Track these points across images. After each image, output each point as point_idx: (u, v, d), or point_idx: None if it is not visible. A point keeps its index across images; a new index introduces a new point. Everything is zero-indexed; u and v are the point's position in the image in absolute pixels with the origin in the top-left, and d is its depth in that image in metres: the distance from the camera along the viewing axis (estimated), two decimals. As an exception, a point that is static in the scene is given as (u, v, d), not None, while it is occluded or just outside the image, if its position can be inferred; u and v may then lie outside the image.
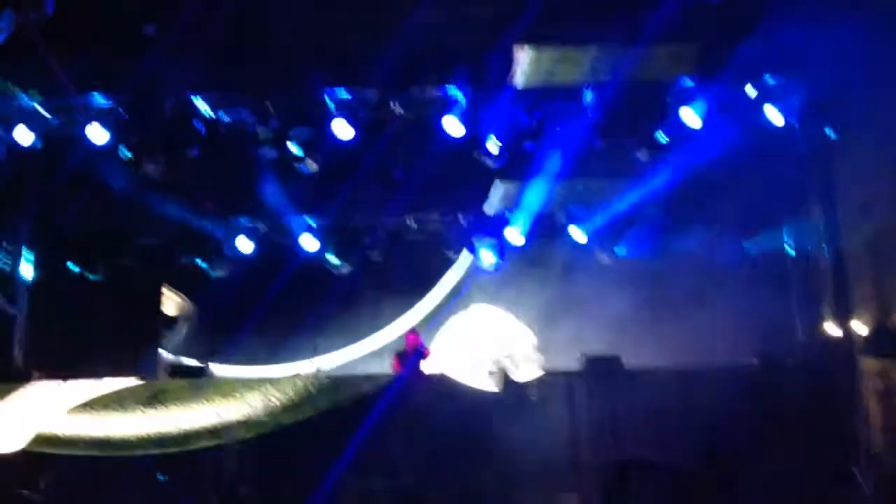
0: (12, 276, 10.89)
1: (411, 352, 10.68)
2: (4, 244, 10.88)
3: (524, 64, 9.68)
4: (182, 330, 12.39)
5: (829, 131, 10.10)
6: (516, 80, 9.81)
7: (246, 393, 8.59)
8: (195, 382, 9.20)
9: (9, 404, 8.47)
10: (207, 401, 8.51)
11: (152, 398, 8.52)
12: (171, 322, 12.36)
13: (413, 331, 11.24)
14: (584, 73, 9.80)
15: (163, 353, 11.78)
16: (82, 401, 8.51)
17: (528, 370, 12.34)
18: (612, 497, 8.61)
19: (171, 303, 12.38)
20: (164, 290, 12.18)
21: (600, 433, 9.19)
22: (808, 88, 9.90)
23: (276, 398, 8.55)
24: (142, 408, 8.36)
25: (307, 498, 8.14)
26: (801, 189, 10.84)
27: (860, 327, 9.59)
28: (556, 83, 9.93)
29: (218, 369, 11.49)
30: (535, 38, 9.53)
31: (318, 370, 10.95)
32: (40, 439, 8.22)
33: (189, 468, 8.52)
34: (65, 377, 9.32)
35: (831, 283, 10.29)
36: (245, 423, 8.40)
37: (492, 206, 11.79)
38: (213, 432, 8.24)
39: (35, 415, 8.39)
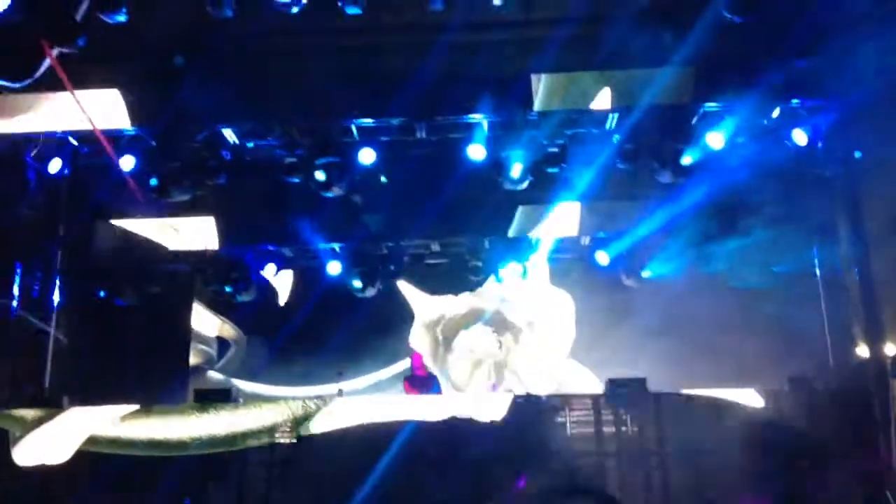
0: (45, 301, 11.06)
1: (417, 372, 10.68)
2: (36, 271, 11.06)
3: (542, 89, 9.75)
4: (234, 354, 12.78)
5: (856, 152, 10.06)
6: (536, 106, 9.86)
7: (289, 401, 9.34)
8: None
9: (58, 421, 9.03)
10: (254, 406, 9.30)
11: (206, 404, 9.23)
12: (224, 346, 12.75)
13: (417, 352, 11.25)
14: (604, 98, 9.83)
15: (215, 374, 12.46)
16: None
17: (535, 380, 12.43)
18: None
19: (222, 329, 12.82)
20: (215, 317, 12.72)
21: (627, 457, 9.13)
22: (833, 109, 9.86)
23: (314, 405, 9.19)
24: (196, 412, 9.05)
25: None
26: (830, 210, 10.76)
27: (891, 349, 9.46)
28: (576, 108, 9.96)
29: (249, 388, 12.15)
30: (552, 65, 9.61)
31: (341, 391, 11.10)
32: (101, 441, 8.86)
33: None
34: (94, 403, 9.48)
35: (861, 305, 10.17)
36: (284, 425, 8.96)
37: (516, 230, 11.80)
38: (257, 434, 8.87)
39: (88, 425, 8.99)
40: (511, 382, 12.64)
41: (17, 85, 8.35)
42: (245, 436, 8.86)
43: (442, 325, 13.03)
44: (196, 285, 12.37)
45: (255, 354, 12.76)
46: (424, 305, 13.02)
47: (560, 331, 12.73)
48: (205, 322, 12.88)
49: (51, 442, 8.86)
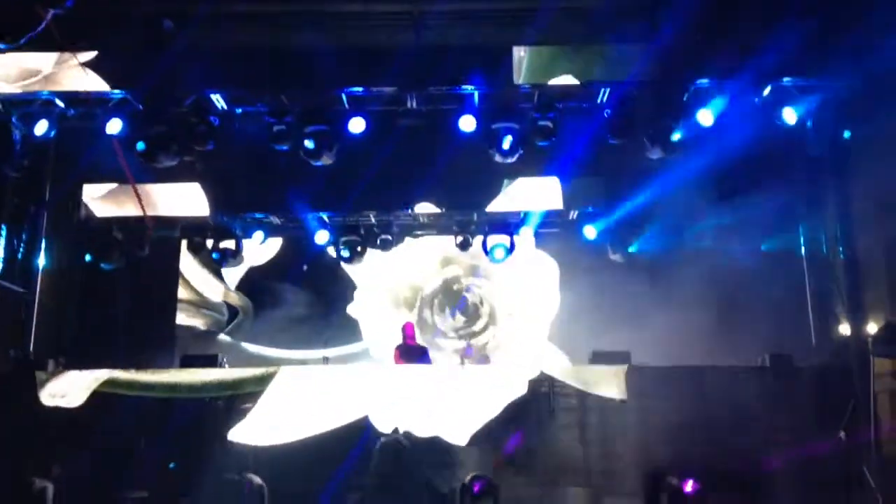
0: (30, 264, 11.01)
1: (408, 342, 10.71)
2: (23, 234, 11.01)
3: (524, 62, 9.72)
4: (241, 320, 13.07)
5: (845, 132, 10.10)
6: (518, 78, 9.82)
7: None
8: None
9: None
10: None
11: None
12: (234, 314, 13.06)
13: (409, 321, 11.29)
14: (588, 71, 9.82)
15: (225, 337, 12.88)
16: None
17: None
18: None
19: (228, 296, 13.13)
20: (222, 284, 13.09)
21: (611, 432, 9.21)
22: (824, 89, 9.87)
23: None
24: None
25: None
26: (818, 189, 10.81)
27: (873, 328, 9.55)
28: (565, 81, 9.93)
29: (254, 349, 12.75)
30: (543, 38, 9.58)
31: (326, 359, 11.21)
32: (121, 383, 9.35)
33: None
34: (79, 367, 9.49)
35: (845, 283, 10.26)
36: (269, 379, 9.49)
37: (504, 202, 11.80)
38: (259, 379, 9.39)
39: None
40: (490, 349, 12.76)
41: (9, 46, 8.27)
42: (249, 381, 9.44)
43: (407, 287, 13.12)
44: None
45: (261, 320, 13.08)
46: (380, 267, 12.96)
47: (543, 296, 12.80)
48: (212, 289, 13.10)
49: (75, 384, 9.25)
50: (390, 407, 9.17)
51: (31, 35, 8.34)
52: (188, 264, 12.98)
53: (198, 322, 12.99)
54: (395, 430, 9.09)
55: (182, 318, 12.88)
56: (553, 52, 9.85)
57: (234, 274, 13.09)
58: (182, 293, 12.99)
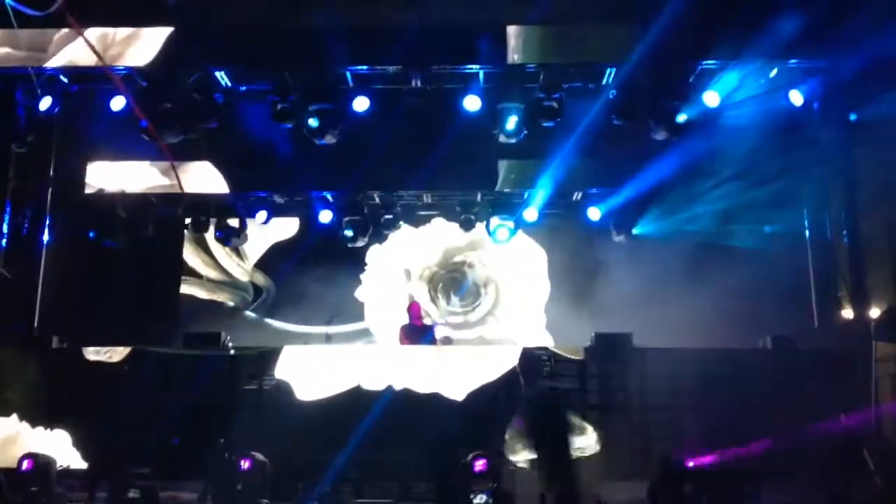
0: (34, 241, 11.04)
1: (415, 321, 10.73)
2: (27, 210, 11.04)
3: (516, 42, 9.66)
4: (265, 298, 13.31)
5: (851, 114, 10.04)
6: (511, 58, 9.76)
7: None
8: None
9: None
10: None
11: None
12: (259, 292, 13.30)
13: (416, 302, 11.29)
14: (584, 52, 9.77)
15: (251, 314, 13.16)
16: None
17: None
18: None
19: (254, 276, 13.38)
20: (250, 268, 13.34)
21: (609, 414, 9.24)
22: (831, 71, 9.80)
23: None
24: None
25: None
26: (822, 172, 10.76)
27: (876, 312, 9.54)
28: (561, 61, 9.88)
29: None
30: (548, 17, 9.51)
31: (329, 337, 11.24)
32: None
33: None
34: (83, 344, 9.54)
35: (848, 267, 10.24)
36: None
37: (508, 183, 11.77)
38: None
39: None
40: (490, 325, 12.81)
41: (39, 14, 8.23)
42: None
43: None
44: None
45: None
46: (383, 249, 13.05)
47: (532, 282, 12.84)
48: (239, 269, 13.33)
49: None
50: (391, 383, 9.22)
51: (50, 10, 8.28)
52: (215, 244, 13.07)
53: (225, 299, 13.22)
54: (390, 387, 9.16)
55: (208, 295, 13.16)
56: (544, 43, 9.79)
57: (255, 252, 13.34)
58: (209, 272, 13.22)
